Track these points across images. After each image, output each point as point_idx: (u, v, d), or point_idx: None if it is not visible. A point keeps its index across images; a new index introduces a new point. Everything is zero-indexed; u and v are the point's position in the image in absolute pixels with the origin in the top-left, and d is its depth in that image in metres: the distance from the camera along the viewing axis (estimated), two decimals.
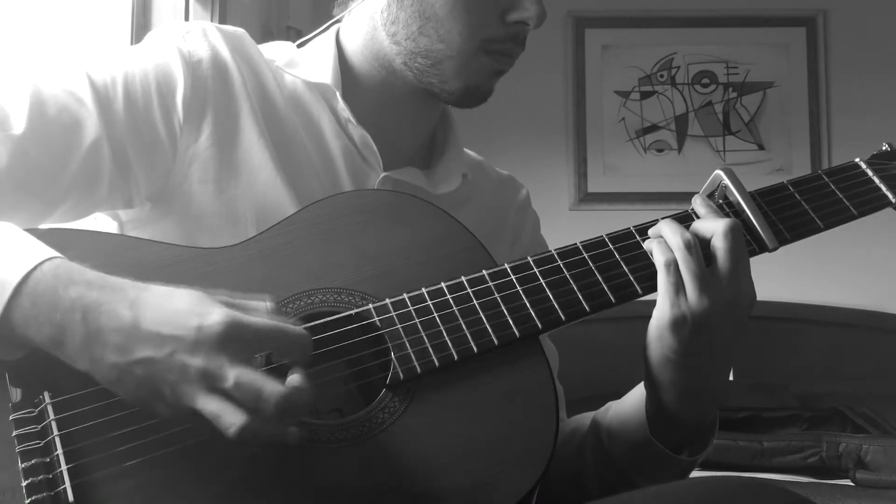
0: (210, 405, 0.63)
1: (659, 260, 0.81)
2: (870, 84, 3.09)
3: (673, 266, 0.81)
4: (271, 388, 0.63)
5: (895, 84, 3.08)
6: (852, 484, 2.15)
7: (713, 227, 0.83)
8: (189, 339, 0.64)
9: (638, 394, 0.91)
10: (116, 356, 0.65)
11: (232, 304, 0.67)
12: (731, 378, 2.85)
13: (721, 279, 0.81)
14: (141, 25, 1.89)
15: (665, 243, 0.82)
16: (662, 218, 0.87)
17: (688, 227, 0.84)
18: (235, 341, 0.64)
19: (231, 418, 0.62)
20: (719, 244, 0.82)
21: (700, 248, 0.82)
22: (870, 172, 0.93)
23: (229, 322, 0.64)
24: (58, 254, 0.69)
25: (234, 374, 0.63)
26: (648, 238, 0.86)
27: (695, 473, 0.89)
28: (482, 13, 0.89)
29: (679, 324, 0.80)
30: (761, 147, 3.14)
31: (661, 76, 3.18)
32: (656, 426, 0.88)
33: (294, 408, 0.64)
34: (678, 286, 0.80)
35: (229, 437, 0.63)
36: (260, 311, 0.68)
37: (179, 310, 0.65)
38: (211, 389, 0.63)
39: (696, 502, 0.84)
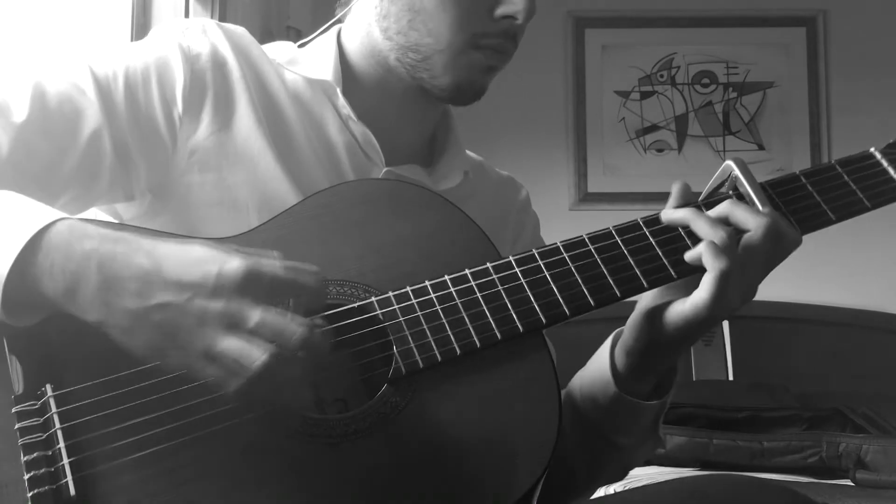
0: (231, 343, 0.63)
1: (714, 266, 0.78)
2: (870, 84, 3.09)
3: (727, 275, 0.78)
4: (295, 323, 0.64)
5: (895, 84, 3.08)
6: (852, 484, 2.15)
7: (754, 222, 0.81)
8: (209, 285, 0.64)
9: (599, 360, 0.93)
10: (133, 302, 0.65)
11: (248, 252, 0.68)
12: (731, 378, 2.86)
13: (751, 280, 0.81)
14: (141, 25, 1.89)
15: (718, 249, 0.79)
16: (694, 206, 0.84)
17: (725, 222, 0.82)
18: (255, 286, 0.65)
19: (255, 353, 0.62)
20: (759, 244, 0.80)
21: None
22: (885, 163, 0.89)
23: (249, 267, 0.65)
24: (71, 217, 0.70)
25: (256, 312, 0.64)
26: (657, 227, 0.84)
27: (694, 473, 0.89)
28: (471, 7, 0.89)
29: (711, 324, 0.81)
30: (761, 147, 3.14)
31: (661, 76, 3.18)
32: (624, 385, 0.89)
33: (316, 343, 0.65)
34: (724, 293, 0.79)
35: (253, 373, 0.62)
36: (273, 259, 0.68)
37: (198, 258, 0.66)
38: (231, 330, 0.64)
39: (696, 501, 0.84)
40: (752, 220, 0.81)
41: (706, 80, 3.18)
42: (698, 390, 2.66)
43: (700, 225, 0.81)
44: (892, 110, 3.03)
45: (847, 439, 2.23)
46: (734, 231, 0.81)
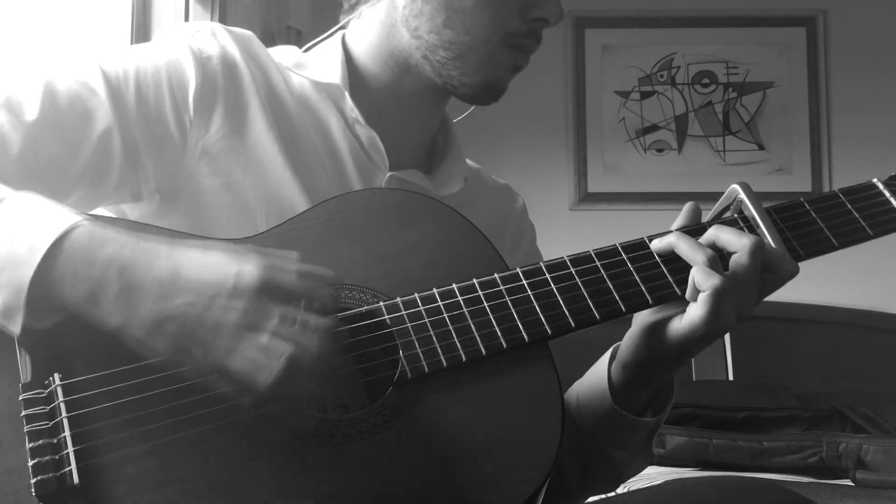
0: (259, 339, 0.66)
1: (707, 284, 0.79)
2: (870, 84, 3.09)
3: (719, 292, 0.79)
4: (315, 318, 0.67)
5: (895, 84, 3.08)
6: (852, 484, 2.15)
7: (739, 243, 0.82)
8: (229, 285, 0.67)
9: (597, 373, 0.93)
10: (154, 305, 0.67)
11: (265, 254, 0.70)
12: (731, 378, 2.86)
13: (745, 300, 0.82)
14: (141, 25, 1.90)
15: (708, 268, 0.80)
16: (699, 227, 0.86)
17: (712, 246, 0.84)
18: (273, 288, 0.67)
19: (282, 347, 0.65)
20: (746, 263, 0.81)
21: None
22: (887, 193, 0.92)
23: (268, 269, 0.67)
24: (90, 217, 0.71)
25: (278, 309, 0.66)
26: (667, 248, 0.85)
27: (695, 474, 0.90)
28: (505, 7, 0.91)
29: (707, 342, 0.82)
30: (761, 147, 3.14)
31: (661, 76, 3.18)
32: (620, 398, 0.90)
33: (338, 337, 0.67)
34: (718, 311, 0.80)
35: (281, 369, 0.65)
36: (290, 262, 0.71)
37: (217, 260, 0.68)
38: (251, 330, 0.66)
39: (697, 501, 0.84)
40: (738, 242, 0.82)
41: (706, 80, 3.18)
42: (698, 390, 2.66)
43: (683, 247, 0.83)
44: (892, 110, 3.03)
45: (847, 439, 2.23)
46: (724, 254, 0.82)
